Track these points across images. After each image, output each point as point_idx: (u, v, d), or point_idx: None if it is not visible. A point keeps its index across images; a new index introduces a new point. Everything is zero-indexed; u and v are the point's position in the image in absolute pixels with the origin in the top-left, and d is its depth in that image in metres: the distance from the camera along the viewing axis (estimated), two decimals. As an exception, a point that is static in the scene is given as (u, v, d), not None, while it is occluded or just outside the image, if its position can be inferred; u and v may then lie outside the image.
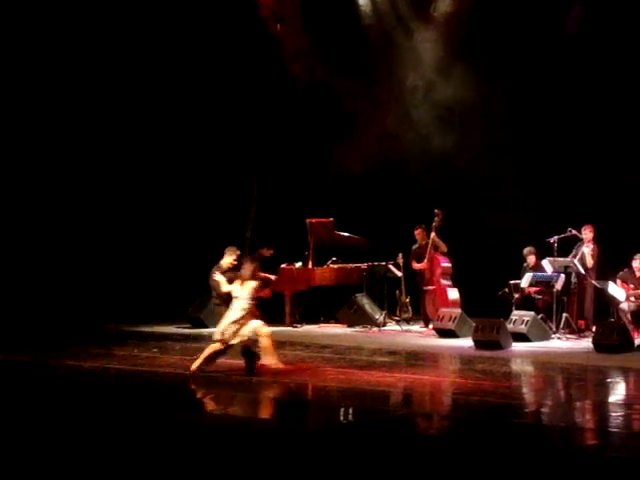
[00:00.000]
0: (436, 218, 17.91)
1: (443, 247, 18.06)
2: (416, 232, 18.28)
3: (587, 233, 16.87)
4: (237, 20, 19.69)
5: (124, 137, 20.40)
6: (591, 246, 16.78)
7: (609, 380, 12.86)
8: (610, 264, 16.81)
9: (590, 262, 16.72)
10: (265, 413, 11.10)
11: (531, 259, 17.32)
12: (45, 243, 19.86)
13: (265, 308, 18.71)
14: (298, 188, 20.34)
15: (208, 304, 18.14)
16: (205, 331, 17.56)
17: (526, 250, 17.39)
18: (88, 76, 19.93)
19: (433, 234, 17.98)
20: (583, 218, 17.02)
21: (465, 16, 18.83)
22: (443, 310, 17.17)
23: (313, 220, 18.60)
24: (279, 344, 15.45)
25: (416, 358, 14.52)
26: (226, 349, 12.67)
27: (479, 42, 18.58)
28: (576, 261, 16.63)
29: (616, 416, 10.49)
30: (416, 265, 18.23)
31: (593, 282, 16.66)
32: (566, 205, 17.90)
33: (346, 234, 18.70)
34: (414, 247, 18.39)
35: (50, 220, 19.89)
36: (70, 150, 20.08)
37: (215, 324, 17.86)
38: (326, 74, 19.21)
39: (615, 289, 16.18)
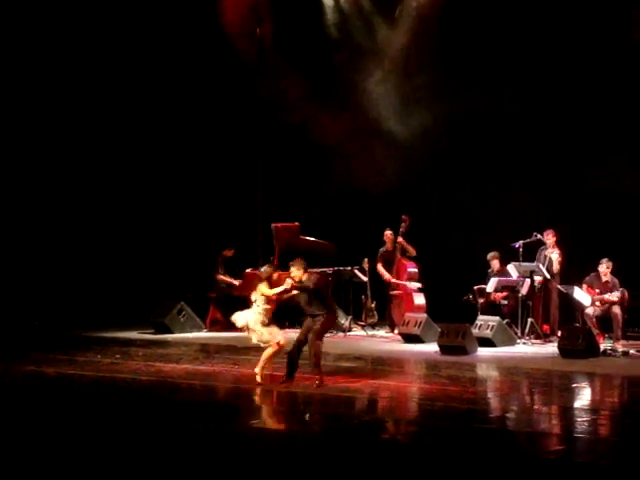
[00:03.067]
0: (403, 224, 17.88)
1: (412, 251, 18.03)
2: (387, 232, 18.18)
3: (550, 238, 16.87)
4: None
5: (95, 153, 20.24)
6: (558, 251, 16.78)
7: (574, 385, 12.86)
8: (576, 268, 16.83)
9: (557, 268, 16.73)
10: (232, 420, 10.98)
11: (495, 264, 17.32)
12: (6, 249, 19.61)
13: (230, 313, 18.74)
14: (264, 192, 20.23)
15: (172, 309, 18.03)
16: (169, 336, 17.44)
17: (490, 255, 17.39)
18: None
19: (400, 239, 17.95)
20: (547, 222, 17.04)
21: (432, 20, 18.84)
22: (409, 315, 17.13)
23: (278, 224, 18.48)
24: (244, 350, 15.43)
25: (382, 363, 14.47)
26: None
27: (445, 45, 18.60)
28: (541, 265, 16.64)
29: (582, 421, 10.49)
30: (383, 272, 18.13)
31: (558, 287, 16.67)
32: (531, 209, 17.88)
33: (312, 238, 18.60)
34: (381, 250, 18.33)
35: (10, 226, 19.64)
36: (36, 162, 19.88)
37: (180, 329, 17.94)
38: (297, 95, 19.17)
39: (580, 294, 16.19)
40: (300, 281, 12.34)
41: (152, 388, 12.19)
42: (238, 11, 19.51)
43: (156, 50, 19.78)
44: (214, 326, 18.49)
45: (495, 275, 17.11)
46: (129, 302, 19.05)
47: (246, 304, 18.21)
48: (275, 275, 12.81)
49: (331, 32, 19.89)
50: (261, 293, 12.54)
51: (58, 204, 20.06)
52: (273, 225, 18.46)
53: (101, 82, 19.94)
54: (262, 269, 13.00)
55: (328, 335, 17.62)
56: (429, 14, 18.83)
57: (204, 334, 18.06)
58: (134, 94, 20.09)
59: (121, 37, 19.59)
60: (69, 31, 19.32)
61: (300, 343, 12.39)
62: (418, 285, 17.98)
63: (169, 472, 8.42)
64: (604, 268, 16.26)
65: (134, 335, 17.79)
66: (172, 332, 17.78)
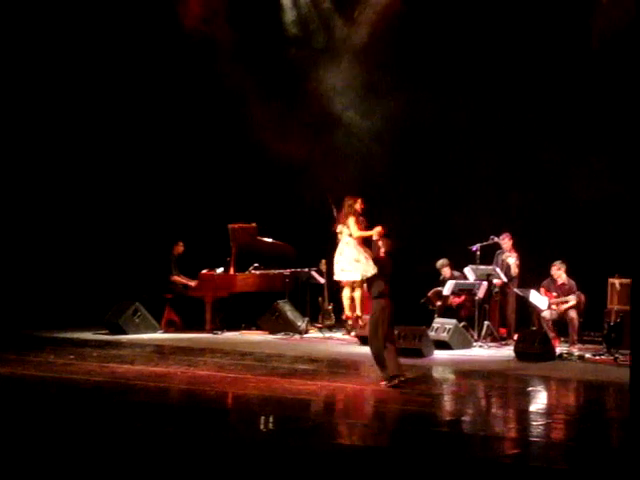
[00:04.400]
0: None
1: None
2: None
3: (506, 242, 16.89)
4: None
5: (47, 153, 20.02)
6: (515, 254, 16.80)
7: (530, 389, 12.87)
8: (532, 272, 16.85)
9: (515, 271, 16.74)
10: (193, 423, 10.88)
11: (445, 271, 17.27)
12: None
13: (185, 314, 18.62)
14: (220, 193, 20.08)
15: (127, 310, 17.85)
16: (124, 337, 17.27)
17: (439, 263, 17.32)
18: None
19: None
20: (504, 225, 17.06)
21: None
22: (366, 317, 17.05)
23: (235, 225, 18.36)
24: (199, 351, 15.33)
25: (338, 366, 14.41)
26: None
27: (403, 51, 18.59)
28: (498, 269, 16.65)
29: (537, 425, 10.49)
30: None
31: (515, 290, 16.69)
32: (488, 212, 17.90)
33: (269, 240, 18.52)
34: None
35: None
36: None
37: (135, 330, 17.75)
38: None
39: (537, 297, 16.22)
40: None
41: (105, 389, 12.05)
42: (197, 15, 19.33)
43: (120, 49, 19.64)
44: (169, 327, 18.34)
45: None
46: (83, 302, 18.84)
47: (202, 305, 18.29)
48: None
49: (290, 30, 19.74)
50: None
51: (11, 204, 19.81)
52: (230, 226, 18.34)
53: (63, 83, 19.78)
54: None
55: (284, 337, 17.67)
56: (388, 14, 18.77)
57: (159, 335, 17.88)
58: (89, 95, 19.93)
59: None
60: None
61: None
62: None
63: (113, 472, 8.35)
64: (556, 269, 16.31)
65: (88, 336, 17.56)
66: (126, 333, 17.58)
